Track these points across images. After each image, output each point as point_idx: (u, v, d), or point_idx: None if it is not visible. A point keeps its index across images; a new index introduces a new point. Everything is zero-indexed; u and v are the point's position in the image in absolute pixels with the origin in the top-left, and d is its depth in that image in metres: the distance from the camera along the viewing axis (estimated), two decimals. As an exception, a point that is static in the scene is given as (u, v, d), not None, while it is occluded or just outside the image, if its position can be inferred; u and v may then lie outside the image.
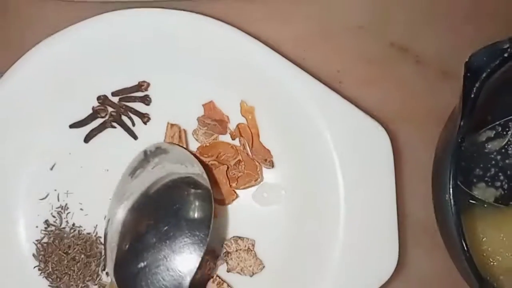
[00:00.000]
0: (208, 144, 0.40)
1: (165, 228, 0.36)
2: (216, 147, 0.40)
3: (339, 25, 0.43)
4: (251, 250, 0.39)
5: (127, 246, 0.37)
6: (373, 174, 0.38)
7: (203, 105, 0.41)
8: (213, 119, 0.40)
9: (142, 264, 0.35)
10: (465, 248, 0.31)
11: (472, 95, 0.32)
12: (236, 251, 0.39)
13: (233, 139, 0.41)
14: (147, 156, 0.39)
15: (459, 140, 0.32)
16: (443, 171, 0.33)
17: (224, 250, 0.39)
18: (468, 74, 0.32)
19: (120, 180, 0.39)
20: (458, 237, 0.31)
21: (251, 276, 0.39)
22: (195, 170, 0.37)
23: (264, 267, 0.39)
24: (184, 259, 0.35)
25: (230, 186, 0.39)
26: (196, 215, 0.36)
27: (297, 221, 0.39)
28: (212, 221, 0.35)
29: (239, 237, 0.39)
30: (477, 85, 0.32)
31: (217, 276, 0.39)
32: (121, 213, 0.38)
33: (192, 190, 0.37)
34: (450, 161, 0.31)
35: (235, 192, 0.39)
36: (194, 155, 0.39)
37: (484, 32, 0.42)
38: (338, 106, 0.38)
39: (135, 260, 0.36)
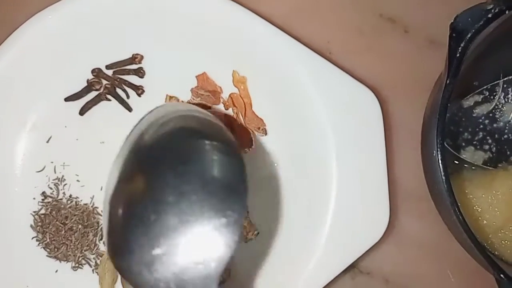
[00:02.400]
0: None
1: (186, 204, 0.26)
2: None
3: (330, -4, 0.44)
4: (246, 216, 0.40)
5: (134, 228, 0.27)
6: (364, 139, 0.38)
7: (196, 77, 0.41)
8: (206, 90, 0.41)
9: (157, 251, 0.26)
10: (454, 202, 0.32)
11: (458, 55, 0.33)
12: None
13: (226, 109, 0.41)
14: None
15: (445, 98, 0.32)
16: (430, 131, 0.33)
17: (220, 218, 0.40)
18: (454, 35, 0.33)
19: (126, 140, 0.32)
20: (446, 192, 0.32)
21: (245, 242, 0.40)
22: (219, 126, 0.30)
23: (258, 233, 0.40)
24: (212, 244, 0.26)
25: None
26: (226, 189, 0.27)
27: (290, 187, 0.40)
28: (248, 193, 0.27)
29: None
30: (462, 45, 0.33)
31: None
32: (125, 182, 0.29)
33: (220, 156, 0.28)
34: (437, 119, 0.32)
35: None
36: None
37: (471, 2, 0.43)
38: (329, 73, 0.39)
39: (146, 246, 0.26)
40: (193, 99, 0.41)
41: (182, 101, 0.41)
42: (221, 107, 0.41)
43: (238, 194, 0.27)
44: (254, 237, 0.40)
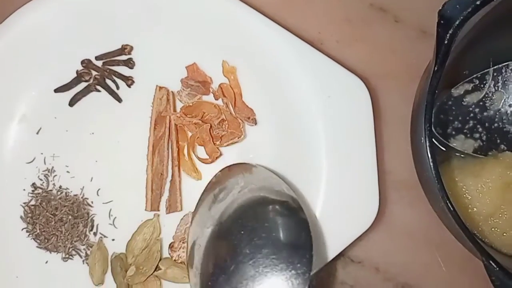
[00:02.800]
0: (191, 104, 0.40)
1: (261, 257, 0.32)
2: (199, 107, 0.41)
3: (320, -14, 0.44)
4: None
5: (219, 276, 0.33)
6: (354, 128, 0.38)
7: (186, 67, 0.41)
8: (196, 81, 0.41)
9: None
10: (443, 188, 0.32)
11: (446, 42, 0.33)
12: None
13: (216, 99, 0.41)
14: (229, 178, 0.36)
15: (433, 85, 0.32)
16: (419, 118, 0.33)
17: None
18: (442, 22, 0.33)
19: (202, 202, 0.37)
20: (434, 179, 0.32)
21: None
22: (286, 192, 0.35)
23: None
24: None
25: (214, 144, 0.40)
26: (294, 245, 0.33)
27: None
28: (314, 251, 0.32)
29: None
30: (450, 32, 0.33)
31: None
32: (206, 239, 0.35)
33: (287, 217, 0.34)
34: (425, 105, 0.32)
35: (218, 150, 0.40)
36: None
37: (461, -9, 0.43)
38: (319, 62, 0.39)
39: None
40: (183, 89, 0.41)
41: (172, 92, 0.41)
42: (211, 97, 0.41)
43: (304, 249, 0.32)
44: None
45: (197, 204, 0.37)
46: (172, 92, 0.41)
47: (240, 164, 0.38)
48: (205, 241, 0.35)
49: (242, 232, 0.34)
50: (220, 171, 0.38)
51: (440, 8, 0.34)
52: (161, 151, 0.40)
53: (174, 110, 0.41)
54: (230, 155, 0.41)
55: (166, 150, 0.40)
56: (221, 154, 0.40)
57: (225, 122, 0.41)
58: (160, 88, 0.41)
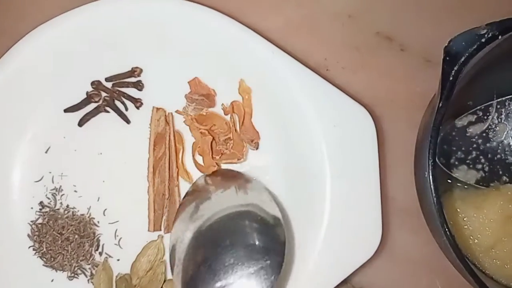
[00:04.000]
0: (205, 114, 0.41)
1: (241, 252, 0.36)
2: (212, 118, 0.41)
3: (328, 13, 0.45)
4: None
5: (201, 266, 0.36)
6: (358, 156, 0.39)
7: (188, 82, 0.42)
8: (200, 94, 0.41)
9: (219, 284, 0.35)
10: (444, 223, 0.33)
11: (451, 78, 0.33)
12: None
13: (226, 114, 0.42)
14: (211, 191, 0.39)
15: (438, 120, 0.33)
16: (423, 151, 0.34)
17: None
18: (447, 58, 0.34)
19: (182, 214, 0.39)
20: (437, 213, 0.32)
21: (240, 255, 0.40)
22: (273, 212, 0.37)
23: (252, 246, 0.40)
24: (259, 282, 0.35)
25: (213, 158, 0.41)
26: (272, 242, 0.36)
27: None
28: (286, 248, 0.36)
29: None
30: (455, 68, 0.33)
31: None
32: (191, 234, 0.37)
33: (261, 221, 0.37)
34: (429, 140, 0.33)
35: (217, 164, 0.41)
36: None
37: (465, 22, 0.42)
38: (325, 90, 0.39)
39: (211, 281, 0.35)
40: (188, 104, 0.41)
41: (171, 113, 0.41)
42: (220, 111, 0.42)
43: (275, 250, 0.36)
44: (248, 250, 0.40)
45: (179, 208, 0.39)
46: (170, 113, 0.42)
47: (232, 172, 0.40)
48: (184, 247, 0.37)
49: (222, 241, 0.37)
50: (208, 175, 0.40)
51: (446, 44, 0.34)
52: (161, 172, 0.41)
53: (174, 131, 0.41)
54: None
55: (167, 171, 0.41)
56: (218, 167, 0.41)
57: (231, 141, 0.41)
58: (158, 109, 0.41)
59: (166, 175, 0.41)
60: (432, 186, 0.32)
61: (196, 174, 0.42)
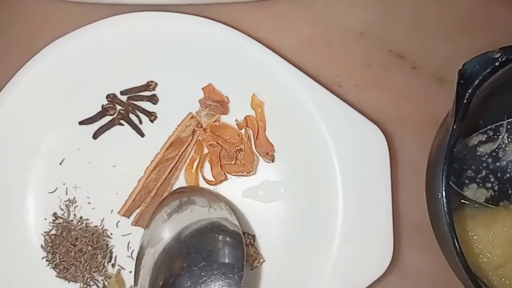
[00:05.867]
0: (218, 124, 0.42)
1: (199, 271, 0.36)
2: (225, 129, 0.42)
3: (341, 31, 0.45)
4: (252, 245, 0.41)
5: (169, 278, 0.36)
6: (370, 174, 0.39)
7: (202, 89, 0.42)
8: (214, 100, 0.42)
9: None
10: (457, 244, 0.33)
11: (465, 101, 0.34)
12: (238, 245, 0.41)
13: (240, 129, 0.42)
14: (180, 203, 0.39)
15: (452, 143, 0.33)
16: (436, 172, 0.34)
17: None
18: (462, 81, 0.34)
19: (152, 223, 0.39)
20: (450, 234, 0.33)
21: (251, 269, 0.41)
22: (223, 213, 0.38)
23: (264, 261, 0.41)
24: None
25: (222, 168, 0.41)
26: (228, 259, 0.37)
27: (295, 218, 0.41)
28: (245, 264, 0.37)
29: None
30: (469, 91, 0.34)
31: None
32: (152, 255, 0.38)
33: (223, 235, 0.37)
34: (443, 163, 0.33)
35: (225, 175, 0.41)
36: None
37: (477, 42, 0.44)
38: (337, 108, 0.40)
39: None
40: (202, 109, 0.42)
41: (201, 124, 0.42)
42: (231, 120, 0.42)
43: (238, 265, 0.37)
44: (260, 265, 0.41)
45: (149, 221, 0.40)
46: (201, 124, 0.42)
47: (193, 188, 0.41)
48: (151, 259, 0.38)
49: (187, 255, 0.37)
50: (176, 190, 0.41)
51: (460, 68, 0.35)
52: (160, 172, 0.41)
53: (195, 142, 0.42)
54: (240, 186, 0.42)
55: (166, 173, 0.41)
56: (226, 178, 0.42)
57: (242, 153, 0.42)
58: (192, 117, 0.42)
59: (163, 177, 0.41)
60: (445, 208, 0.33)
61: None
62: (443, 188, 0.33)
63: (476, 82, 0.34)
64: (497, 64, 0.34)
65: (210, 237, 0.37)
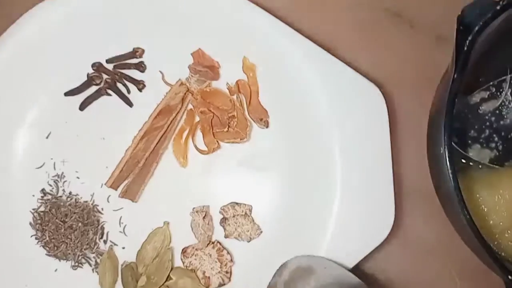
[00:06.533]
0: (209, 90, 0.40)
1: None
2: (216, 95, 0.40)
3: (335, -9, 0.43)
4: (248, 216, 0.39)
5: None
6: (369, 135, 0.38)
7: (192, 54, 0.40)
8: (204, 66, 0.40)
9: None
10: (462, 200, 0.31)
11: (465, 48, 0.32)
12: (234, 216, 0.39)
13: (232, 95, 0.41)
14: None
15: (453, 93, 0.32)
16: (437, 126, 0.33)
17: (222, 216, 0.39)
18: (461, 28, 0.32)
19: None
20: (454, 192, 0.31)
21: (248, 241, 0.39)
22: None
23: (261, 232, 0.39)
24: None
25: (214, 136, 0.39)
26: None
27: (292, 186, 0.39)
28: None
29: (236, 203, 0.39)
30: (469, 38, 0.32)
31: (217, 242, 0.39)
32: None
33: None
34: (445, 114, 0.31)
35: (217, 143, 0.40)
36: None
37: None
38: (333, 67, 0.38)
39: None
40: (191, 75, 0.40)
41: (191, 92, 0.40)
42: (223, 86, 0.41)
43: None
44: (257, 236, 0.39)
45: None
46: (191, 92, 0.40)
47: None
48: None
49: None
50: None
51: (459, 13, 0.33)
52: (149, 141, 0.40)
53: (185, 110, 0.40)
54: (234, 155, 0.40)
55: (155, 143, 0.40)
56: (219, 146, 0.40)
57: (235, 119, 0.40)
58: (182, 84, 0.40)
59: (151, 147, 0.39)
60: (448, 163, 0.31)
61: (193, 160, 0.40)
62: (445, 142, 0.31)
63: (477, 28, 0.32)
64: (498, 8, 0.32)
65: None
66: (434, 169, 0.36)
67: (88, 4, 0.39)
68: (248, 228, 0.39)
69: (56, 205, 0.40)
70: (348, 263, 0.37)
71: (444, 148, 0.31)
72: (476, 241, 0.31)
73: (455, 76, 0.32)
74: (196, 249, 0.38)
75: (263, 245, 0.39)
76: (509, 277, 0.30)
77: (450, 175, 0.31)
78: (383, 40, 0.43)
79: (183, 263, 0.38)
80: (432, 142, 0.35)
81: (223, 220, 0.39)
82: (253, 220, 0.39)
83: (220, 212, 0.39)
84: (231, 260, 0.38)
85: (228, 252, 0.39)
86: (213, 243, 0.39)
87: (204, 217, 0.38)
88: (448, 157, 0.31)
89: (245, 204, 0.39)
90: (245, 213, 0.39)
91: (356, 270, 0.40)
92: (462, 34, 0.32)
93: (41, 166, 0.40)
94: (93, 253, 0.40)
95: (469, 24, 0.32)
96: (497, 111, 0.40)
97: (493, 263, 0.31)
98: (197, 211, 0.39)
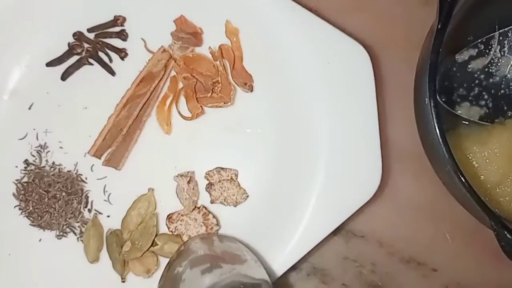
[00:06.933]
0: (192, 56, 0.39)
1: None
2: (199, 61, 0.39)
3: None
4: (234, 180, 0.38)
5: None
6: (355, 96, 0.37)
7: (174, 21, 0.40)
8: (186, 33, 0.39)
9: None
10: (448, 152, 0.31)
11: (449, -1, 0.31)
12: (219, 181, 0.38)
13: (215, 60, 0.40)
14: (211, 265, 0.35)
15: (437, 43, 0.31)
16: (422, 79, 0.32)
17: (207, 182, 0.39)
18: (445, -23, 0.32)
19: (168, 276, 0.35)
20: (439, 141, 0.30)
21: (235, 206, 0.38)
22: (244, 269, 0.34)
23: (248, 196, 0.39)
24: None
25: (197, 101, 0.39)
26: None
27: (278, 149, 0.39)
28: None
29: (222, 168, 0.39)
30: (453, -13, 0.32)
31: (203, 207, 0.39)
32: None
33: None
34: (429, 64, 0.31)
35: (201, 108, 0.39)
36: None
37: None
38: (317, 27, 0.38)
39: None
40: (174, 42, 0.39)
41: (174, 59, 0.39)
42: (207, 52, 0.40)
43: None
44: (244, 200, 0.38)
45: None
46: (174, 59, 0.39)
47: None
48: None
49: None
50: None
51: (443, -36, 0.32)
52: (131, 108, 0.39)
53: (168, 77, 0.40)
54: (219, 120, 0.39)
55: (138, 110, 0.39)
56: (203, 112, 0.39)
57: (219, 85, 0.39)
58: (164, 51, 0.40)
59: (134, 114, 0.39)
60: (433, 112, 0.30)
61: (177, 127, 0.39)
62: (430, 92, 0.31)
63: (460, -22, 0.32)
64: (482, -42, 0.32)
65: None
66: (420, 124, 0.35)
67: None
68: (234, 193, 0.38)
69: (39, 176, 0.39)
70: (336, 220, 0.36)
71: (429, 98, 0.31)
72: (463, 190, 0.30)
73: (440, 26, 0.31)
74: (182, 215, 0.38)
75: (249, 209, 0.39)
76: (500, 226, 0.30)
77: (435, 125, 0.30)
78: (369, 3, 0.42)
79: (168, 228, 0.38)
80: (418, 96, 0.34)
81: (209, 186, 0.38)
82: (239, 185, 0.39)
83: (205, 177, 0.39)
84: (217, 224, 0.38)
85: (213, 216, 0.38)
86: (198, 208, 0.38)
87: (188, 182, 0.38)
88: (433, 107, 0.30)
89: (231, 169, 0.39)
90: (231, 178, 0.39)
91: (345, 230, 0.39)
92: (446, -18, 0.32)
93: (23, 137, 0.40)
94: (78, 222, 0.39)
95: (453, -28, 0.32)
96: (486, 69, 0.39)
97: (483, 212, 0.30)
98: (181, 176, 0.38)
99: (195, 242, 0.37)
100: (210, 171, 0.39)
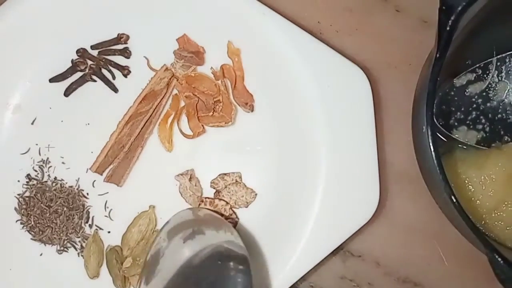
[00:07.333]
0: (194, 75, 0.40)
1: None
2: (201, 80, 0.40)
3: (320, -25, 0.43)
4: (239, 182, 0.39)
5: None
6: (354, 119, 0.38)
7: (177, 40, 0.40)
8: (189, 51, 0.40)
9: None
10: (445, 180, 0.31)
11: (448, 28, 0.32)
12: (225, 187, 0.39)
13: (217, 79, 0.40)
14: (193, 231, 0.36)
15: (435, 71, 0.31)
16: (420, 106, 0.33)
17: (214, 191, 0.39)
18: (444, 7, 0.32)
19: (151, 255, 0.36)
20: (436, 168, 0.31)
21: (246, 206, 0.39)
22: (228, 236, 0.35)
23: (256, 194, 0.39)
24: None
25: (199, 120, 0.39)
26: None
27: (278, 169, 0.39)
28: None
29: (225, 173, 0.39)
30: (452, 18, 0.32)
31: (206, 198, 0.39)
32: (167, 271, 0.35)
33: (229, 263, 0.34)
34: (427, 92, 0.31)
35: (202, 127, 0.39)
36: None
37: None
38: (319, 51, 0.38)
39: None
40: (176, 61, 0.40)
41: (176, 78, 0.40)
42: (209, 71, 0.40)
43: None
44: (253, 199, 0.39)
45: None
46: (176, 78, 0.40)
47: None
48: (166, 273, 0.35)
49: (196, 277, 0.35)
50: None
51: (442, -8, 0.33)
52: (134, 126, 0.39)
53: (170, 95, 0.40)
54: (219, 140, 0.40)
55: (140, 127, 0.39)
56: (204, 131, 0.40)
57: (220, 104, 0.40)
58: (167, 69, 0.40)
59: (136, 131, 0.39)
60: (430, 140, 0.31)
61: (178, 145, 0.40)
62: (428, 120, 0.31)
63: (460, 8, 0.32)
64: (481, -14, 0.32)
65: (216, 267, 0.35)
66: (418, 149, 0.35)
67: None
68: (243, 194, 0.39)
69: (41, 190, 0.40)
70: (334, 241, 0.36)
71: (427, 126, 0.31)
72: (458, 217, 0.31)
73: (438, 55, 0.32)
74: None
75: (262, 206, 0.39)
76: (495, 254, 0.30)
77: (432, 152, 0.31)
78: (369, 25, 0.42)
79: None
80: (416, 122, 0.35)
81: (217, 194, 0.39)
82: (245, 185, 0.39)
83: (211, 186, 0.39)
84: (230, 208, 0.39)
85: (220, 199, 0.39)
86: (202, 201, 0.39)
87: (190, 179, 0.39)
88: (430, 135, 0.31)
89: (234, 173, 0.39)
90: (236, 181, 0.39)
91: (342, 250, 0.40)
92: (445, 13, 0.32)
93: (26, 152, 0.40)
94: (79, 237, 0.39)
95: (452, 3, 0.32)
96: (484, 93, 0.40)
97: (477, 239, 0.30)
98: (182, 175, 0.39)
99: (178, 214, 0.38)
100: (214, 179, 0.39)
